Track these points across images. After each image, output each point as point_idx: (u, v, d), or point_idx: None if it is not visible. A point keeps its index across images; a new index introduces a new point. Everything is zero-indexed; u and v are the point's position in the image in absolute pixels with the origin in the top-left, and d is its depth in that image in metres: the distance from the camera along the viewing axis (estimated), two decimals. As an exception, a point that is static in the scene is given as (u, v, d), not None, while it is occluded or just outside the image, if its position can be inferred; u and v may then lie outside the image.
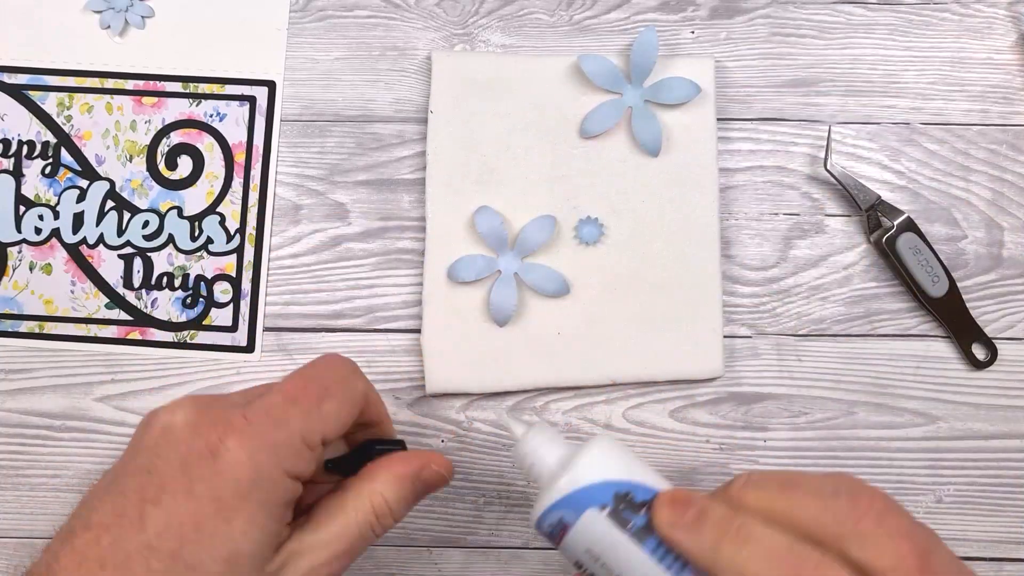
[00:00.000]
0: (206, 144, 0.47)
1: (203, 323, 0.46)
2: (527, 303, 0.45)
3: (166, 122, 0.47)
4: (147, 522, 0.28)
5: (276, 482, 0.30)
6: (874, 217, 0.45)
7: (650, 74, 0.46)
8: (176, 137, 0.47)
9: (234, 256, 0.46)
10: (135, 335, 0.46)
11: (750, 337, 0.45)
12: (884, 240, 0.44)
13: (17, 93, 0.47)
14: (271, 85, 0.47)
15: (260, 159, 0.47)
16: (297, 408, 0.31)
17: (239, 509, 0.29)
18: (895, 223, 0.45)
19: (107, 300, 0.46)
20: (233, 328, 0.46)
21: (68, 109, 0.47)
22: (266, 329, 0.46)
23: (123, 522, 0.28)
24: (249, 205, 0.46)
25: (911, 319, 0.45)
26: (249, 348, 0.45)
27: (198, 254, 0.46)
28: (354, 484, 0.34)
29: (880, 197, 0.45)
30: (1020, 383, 0.45)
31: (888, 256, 0.45)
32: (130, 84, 0.47)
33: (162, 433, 0.30)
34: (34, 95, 0.47)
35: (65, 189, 0.47)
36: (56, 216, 0.46)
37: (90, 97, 0.47)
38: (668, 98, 0.46)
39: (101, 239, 0.46)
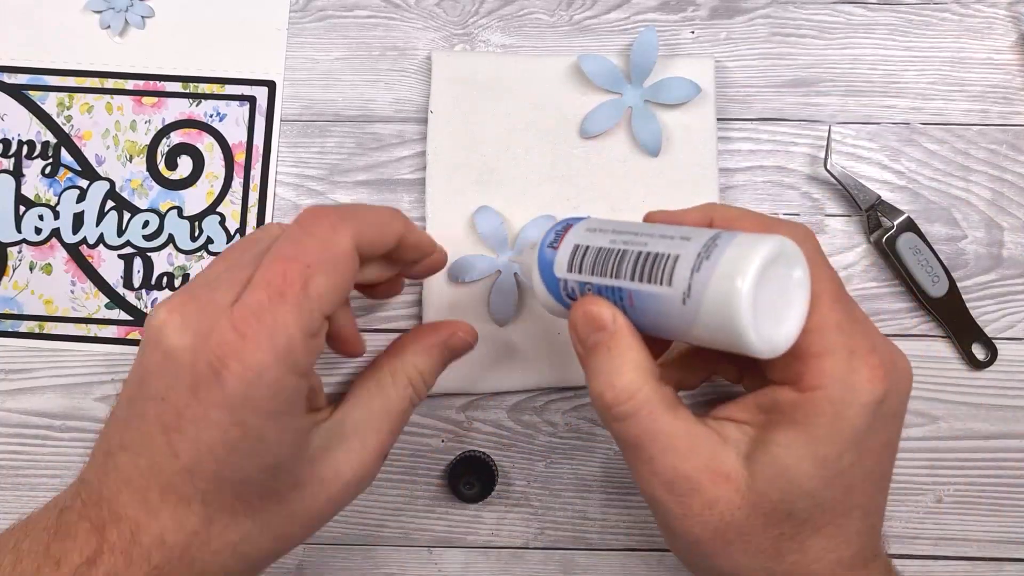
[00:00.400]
0: (206, 144, 0.47)
1: (203, 323, 0.46)
2: (527, 302, 0.45)
3: (166, 122, 0.47)
4: (178, 450, 0.29)
5: (289, 386, 0.29)
6: (874, 217, 0.45)
7: (650, 74, 0.46)
8: (176, 137, 0.47)
9: (234, 256, 0.46)
10: (135, 335, 0.46)
11: (750, 337, 0.45)
12: (884, 240, 0.44)
13: (17, 93, 0.47)
14: (271, 85, 0.47)
15: (260, 159, 0.47)
16: (286, 304, 0.28)
17: (264, 426, 0.29)
18: (895, 223, 0.45)
19: (107, 300, 0.46)
20: (233, 328, 0.45)
21: (68, 109, 0.47)
22: (266, 329, 0.45)
23: (154, 447, 0.29)
24: (249, 205, 0.46)
25: (911, 319, 0.45)
26: (249, 348, 0.45)
27: (198, 254, 0.46)
28: (387, 361, 0.36)
29: (880, 197, 0.45)
30: (1020, 383, 0.45)
31: (888, 256, 0.45)
32: (130, 84, 0.47)
33: (163, 357, 0.29)
34: (34, 95, 0.47)
35: (65, 189, 0.47)
36: (56, 216, 0.46)
37: (90, 97, 0.47)
38: (668, 98, 0.46)
39: (101, 239, 0.46)
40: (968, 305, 0.45)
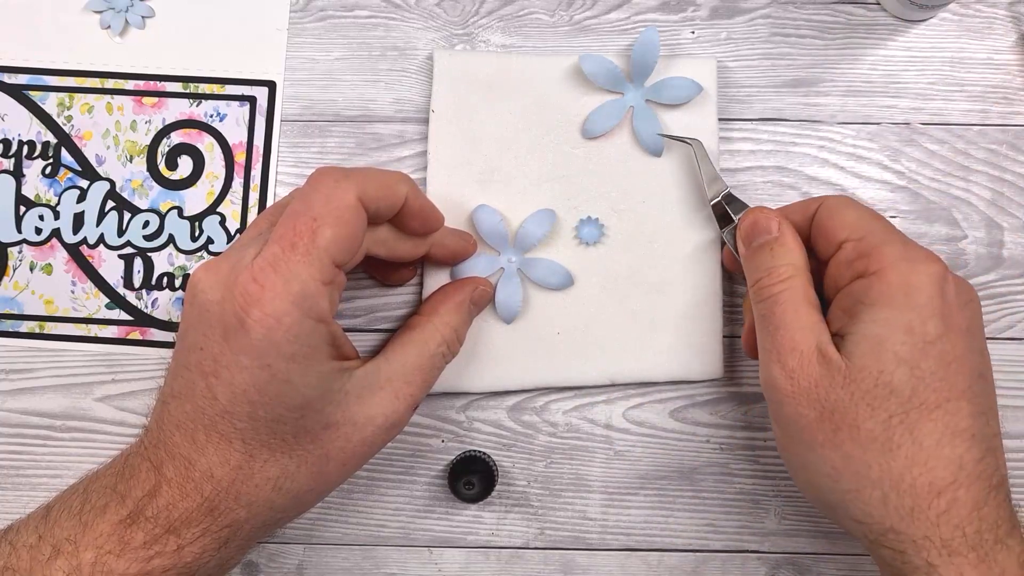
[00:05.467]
0: (206, 144, 0.47)
1: (203, 323, 0.46)
2: (528, 301, 0.45)
3: (166, 122, 0.47)
4: (216, 393, 0.32)
5: (310, 330, 0.32)
6: (720, 207, 0.42)
7: (651, 74, 0.46)
8: (176, 137, 0.47)
9: (234, 256, 0.46)
10: (135, 335, 0.46)
11: (750, 337, 0.45)
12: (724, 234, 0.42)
13: (17, 93, 0.47)
14: (271, 85, 0.47)
15: (260, 159, 0.47)
16: (297, 254, 0.31)
17: (289, 369, 0.32)
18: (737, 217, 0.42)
19: (107, 300, 0.46)
20: (233, 328, 0.45)
21: (68, 109, 0.47)
22: (266, 329, 0.46)
23: (196, 393, 0.33)
24: (249, 205, 0.46)
25: (911, 319, 0.45)
26: (249, 348, 0.45)
27: (199, 254, 0.46)
28: (420, 321, 0.39)
29: (728, 190, 0.43)
30: (1020, 383, 0.45)
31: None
32: (130, 84, 0.47)
33: (199, 311, 0.33)
34: (34, 95, 0.47)
35: (65, 189, 0.47)
36: (56, 216, 0.46)
37: (90, 97, 0.47)
38: (670, 97, 0.45)
39: (101, 239, 0.46)
40: (968, 305, 0.45)
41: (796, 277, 0.36)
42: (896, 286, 0.34)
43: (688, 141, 0.44)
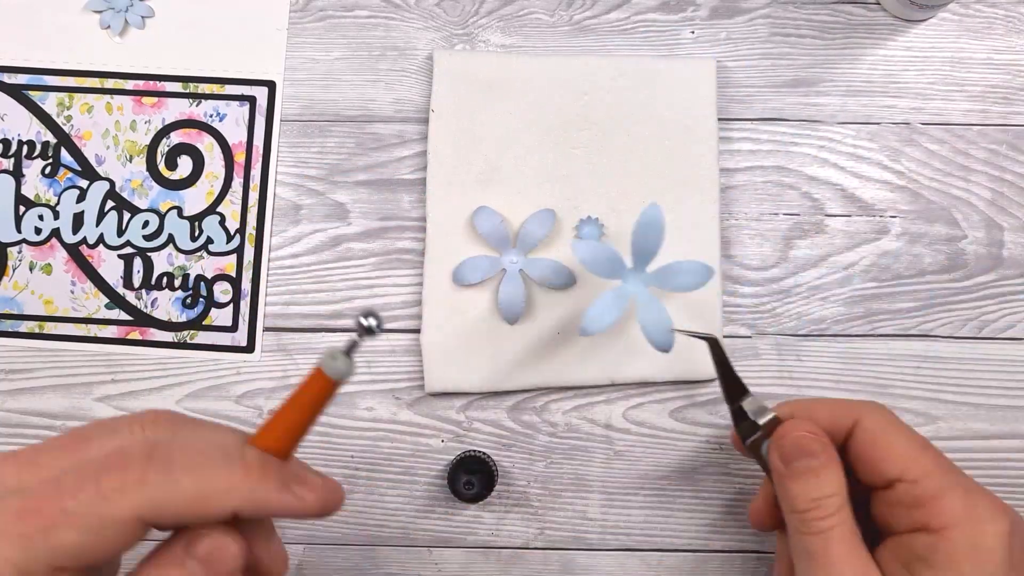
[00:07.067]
0: (206, 144, 0.47)
1: (203, 323, 0.46)
2: (529, 302, 0.44)
3: (166, 122, 0.47)
4: None
5: None
6: (741, 412, 0.37)
7: (655, 257, 0.41)
8: (176, 137, 0.47)
9: (234, 256, 0.46)
10: (135, 335, 0.46)
11: (750, 337, 0.45)
12: (748, 445, 0.37)
13: (17, 93, 0.47)
14: (271, 85, 0.47)
15: (260, 159, 0.47)
16: (20, 533, 0.24)
17: None
18: (762, 423, 0.37)
19: (107, 300, 0.46)
20: (233, 328, 0.45)
21: (68, 109, 0.47)
22: (266, 329, 0.46)
23: None
24: (249, 205, 0.46)
25: (911, 319, 0.45)
26: (249, 348, 0.45)
27: (198, 254, 0.46)
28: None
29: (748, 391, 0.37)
30: (1020, 383, 0.45)
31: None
32: (130, 84, 0.47)
33: None
34: (34, 95, 0.47)
35: (65, 189, 0.47)
36: (56, 216, 0.46)
37: (90, 97, 0.47)
38: (677, 286, 0.41)
39: (101, 239, 0.46)
40: (968, 305, 0.45)
41: (844, 509, 0.33)
42: (961, 551, 0.32)
43: (705, 338, 0.38)
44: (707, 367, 0.44)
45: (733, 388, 0.37)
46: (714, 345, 0.38)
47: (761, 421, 0.36)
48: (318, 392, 0.27)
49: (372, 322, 0.27)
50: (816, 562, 0.33)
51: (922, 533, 0.33)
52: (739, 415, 0.37)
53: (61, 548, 0.24)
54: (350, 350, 0.27)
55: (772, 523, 0.38)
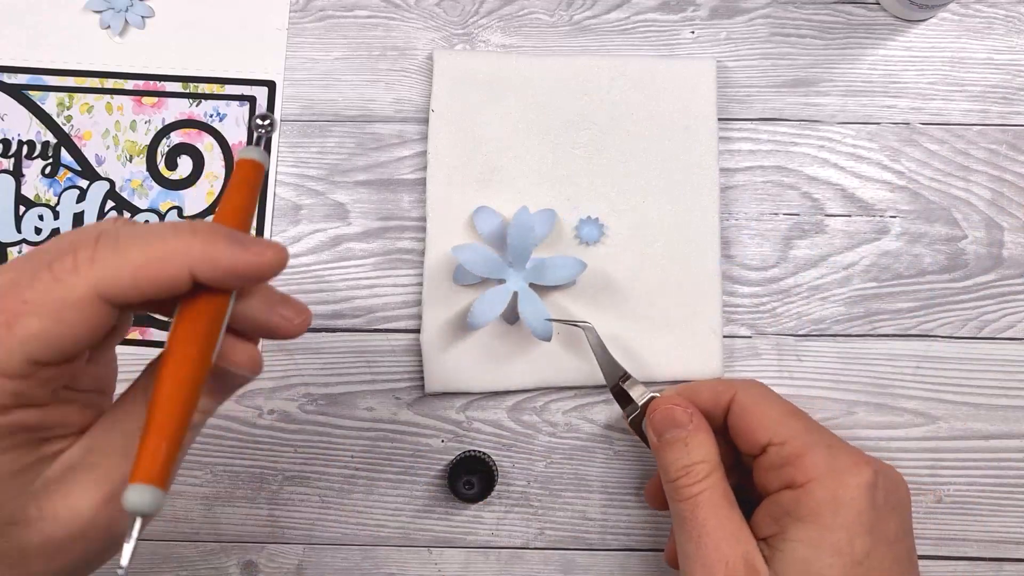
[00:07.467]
0: (206, 144, 0.47)
1: (203, 323, 0.46)
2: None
3: (166, 122, 0.47)
4: None
5: None
6: (622, 393, 0.41)
7: (531, 256, 0.43)
8: (176, 137, 0.47)
9: (234, 256, 0.46)
10: (135, 335, 0.46)
11: (750, 337, 0.45)
12: (630, 421, 0.40)
13: (17, 93, 0.47)
14: (271, 85, 0.47)
15: (260, 159, 0.47)
16: None
17: None
18: (640, 403, 0.40)
19: (107, 300, 0.46)
20: (233, 328, 0.45)
21: (68, 109, 0.47)
22: (266, 329, 0.45)
23: None
24: (249, 205, 0.46)
25: (911, 319, 0.45)
26: (249, 348, 0.45)
27: (198, 254, 0.46)
28: (142, 379, 0.29)
29: (627, 372, 0.41)
30: (1020, 383, 0.45)
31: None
32: (130, 84, 0.47)
33: None
34: (34, 95, 0.47)
35: (65, 189, 0.47)
36: (56, 216, 0.46)
37: (90, 97, 0.47)
38: (553, 279, 0.43)
39: (101, 239, 0.46)
40: (968, 305, 0.45)
41: (713, 474, 0.36)
42: (823, 503, 0.33)
43: (580, 325, 0.42)
44: (707, 367, 0.44)
45: (612, 372, 0.41)
46: (589, 332, 0.41)
47: (641, 401, 0.40)
48: (248, 176, 0.30)
49: (266, 121, 0.31)
50: (687, 526, 0.35)
51: (789, 489, 0.35)
52: (621, 396, 0.41)
53: (29, 338, 0.24)
54: (258, 143, 0.31)
55: (664, 501, 0.39)
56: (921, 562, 0.44)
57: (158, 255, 0.25)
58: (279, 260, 0.27)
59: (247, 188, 0.30)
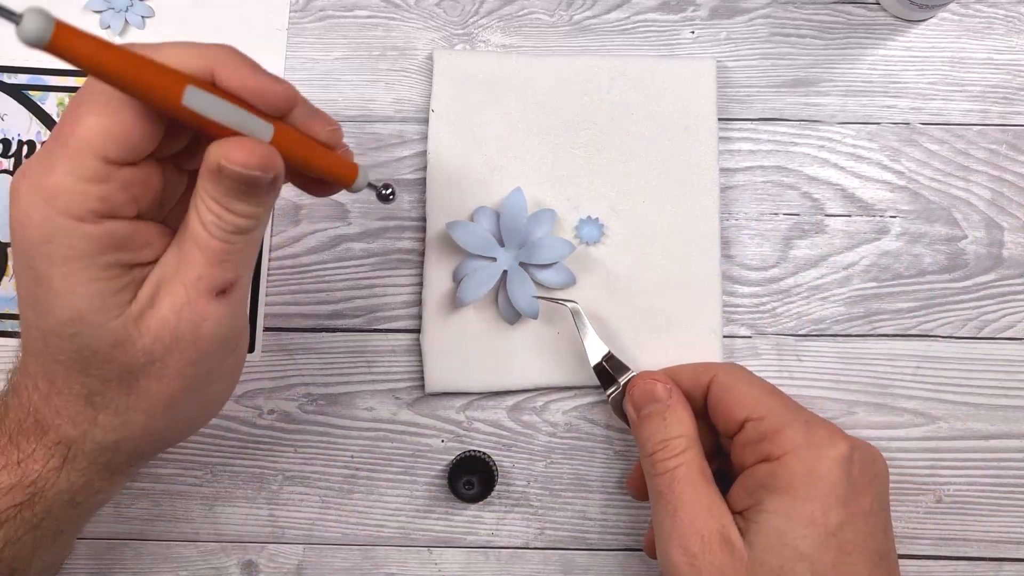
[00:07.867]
0: (206, 144, 0.47)
1: (203, 323, 0.46)
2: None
3: (166, 122, 0.47)
4: (20, 302, 0.30)
5: (68, 230, 0.27)
6: (605, 373, 0.42)
7: (523, 235, 0.43)
8: (176, 137, 0.47)
9: (234, 256, 0.46)
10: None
11: (750, 337, 0.45)
12: (611, 400, 0.41)
13: (17, 93, 0.47)
14: (271, 85, 0.47)
15: (260, 159, 0.47)
16: (56, 146, 0.27)
17: (51, 272, 0.28)
18: (622, 382, 0.41)
19: (107, 300, 0.46)
20: (233, 328, 0.45)
21: (68, 109, 0.47)
22: (266, 329, 0.46)
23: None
24: (249, 205, 0.46)
25: (911, 319, 0.45)
26: (249, 348, 0.45)
27: (198, 254, 0.46)
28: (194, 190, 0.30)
29: (610, 352, 0.42)
30: (1020, 383, 0.45)
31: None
32: (130, 84, 0.47)
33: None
34: (34, 95, 0.47)
35: (65, 189, 0.46)
36: (56, 216, 0.46)
37: (90, 97, 0.47)
38: (542, 258, 0.43)
39: (101, 239, 0.46)
40: (968, 305, 0.45)
41: (690, 449, 0.37)
42: (799, 475, 0.34)
43: (565, 303, 0.42)
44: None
45: (596, 351, 0.41)
46: (575, 312, 0.42)
47: (622, 380, 0.41)
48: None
49: (387, 191, 0.37)
50: (663, 500, 0.36)
51: (765, 463, 0.35)
52: (604, 375, 0.41)
53: (92, 137, 0.27)
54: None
55: (646, 491, 0.39)
56: (921, 562, 0.44)
57: (187, 50, 0.28)
58: (286, 87, 0.30)
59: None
